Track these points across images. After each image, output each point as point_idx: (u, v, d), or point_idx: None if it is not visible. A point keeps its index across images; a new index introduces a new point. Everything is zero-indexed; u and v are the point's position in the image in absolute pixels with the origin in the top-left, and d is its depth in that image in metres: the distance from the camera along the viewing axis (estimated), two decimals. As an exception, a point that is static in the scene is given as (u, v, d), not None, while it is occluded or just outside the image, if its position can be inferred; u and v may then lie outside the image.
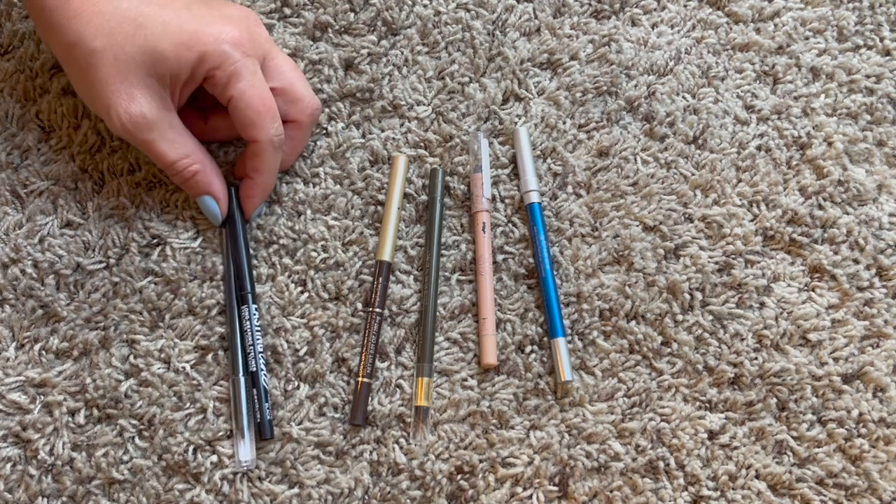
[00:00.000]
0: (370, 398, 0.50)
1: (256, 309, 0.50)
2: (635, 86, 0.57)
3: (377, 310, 0.51)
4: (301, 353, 0.51)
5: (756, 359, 0.52)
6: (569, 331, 0.52)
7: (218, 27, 0.47)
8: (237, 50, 0.47)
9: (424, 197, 0.54)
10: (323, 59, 0.55)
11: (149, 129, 0.47)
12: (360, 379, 0.50)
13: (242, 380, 0.49)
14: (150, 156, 0.49)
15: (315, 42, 0.56)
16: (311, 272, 0.52)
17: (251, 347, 0.49)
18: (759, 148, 0.56)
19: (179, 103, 0.49)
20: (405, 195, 0.54)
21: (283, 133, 0.50)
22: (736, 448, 0.50)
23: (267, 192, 0.52)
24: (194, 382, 0.50)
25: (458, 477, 0.49)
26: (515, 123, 0.55)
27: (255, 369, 0.49)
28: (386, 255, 0.51)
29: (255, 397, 0.49)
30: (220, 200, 0.51)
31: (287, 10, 0.56)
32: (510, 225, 0.54)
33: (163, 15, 0.47)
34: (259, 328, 0.50)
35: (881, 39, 0.59)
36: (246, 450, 0.48)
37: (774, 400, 0.51)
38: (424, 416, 0.49)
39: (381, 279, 0.51)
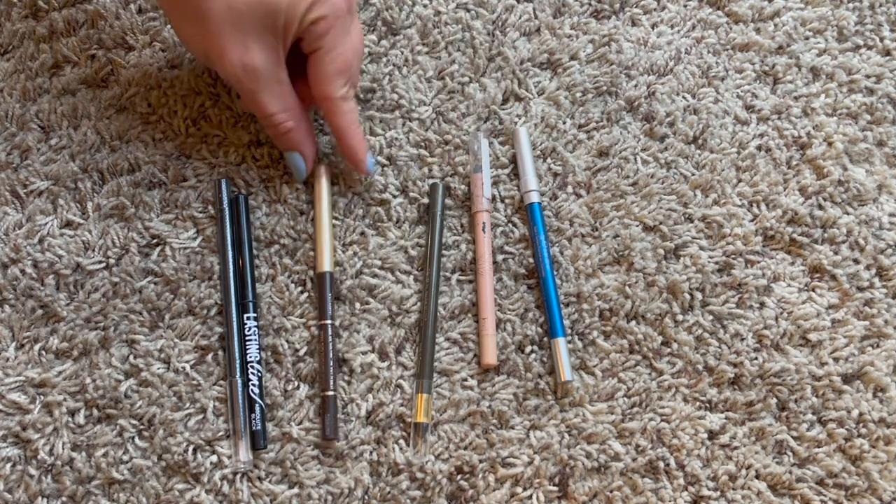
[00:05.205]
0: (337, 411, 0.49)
1: (255, 318, 0.50)
2: (635, 86, 0.57)
3: (327, 321, 0.50)
4: (301, 353, 0.51)
5: (756, 359, 0.52)
6: (569, 331, 0.52)
7: None
8: (344, 2, 0.48)
9: (426, 200, 0.54)
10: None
11: (257, 80, 0.48)
12: (325, 393, 0.49)
13: (240, 381, 0.49)
14: (250, 104, 0.50)
15: (315, 42, 0.56)
16: (311, 272, 0.52)
17: (247, 356, 0.49)
18: (759, 148, 0.56)
19: (285, 52, 0.49)
20: (406, 196, 0.54)
21: (354, 89, 0.51)
22: (736, 448, 0.50)
23: (363, 143, 0.52)
24: (194, 382, 0.50)
25: (458, 477, 0.49)
26: (515, 123, 0.55)
27: (251, 380, 0.49)
28: (326, 266, 0.51)
29: (248, 409, 0.49)
30: (307, 159, 0.52)
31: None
32: (510, 225, 0.54)
33: None
34: (255, 340, 0.50)
35: (881, 39, 0.59)
36: (245, 450, 0.48)
37: (774, 400, 0.51)
38: (424, 431, 0.49)
39: (324, 291, 0.51)
